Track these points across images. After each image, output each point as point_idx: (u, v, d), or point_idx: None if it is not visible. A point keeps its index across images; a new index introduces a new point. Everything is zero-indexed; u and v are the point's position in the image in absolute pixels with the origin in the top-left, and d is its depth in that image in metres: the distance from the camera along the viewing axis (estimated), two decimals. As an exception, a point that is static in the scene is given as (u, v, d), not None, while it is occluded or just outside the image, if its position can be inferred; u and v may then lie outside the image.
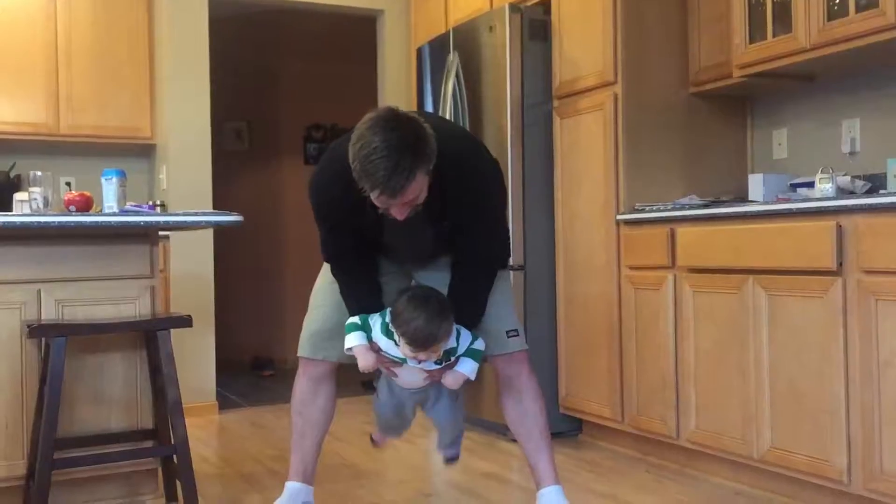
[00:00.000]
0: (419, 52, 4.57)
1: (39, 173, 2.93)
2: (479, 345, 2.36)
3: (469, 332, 2.35)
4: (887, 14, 2.77)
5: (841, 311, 2.65)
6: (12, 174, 4.70)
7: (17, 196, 3.24)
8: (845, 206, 2.64)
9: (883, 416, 2.54)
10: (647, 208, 3.43)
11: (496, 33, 3.90)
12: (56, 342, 2.61)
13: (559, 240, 3.90)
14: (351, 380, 4.31)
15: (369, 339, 2.31)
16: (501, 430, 3.85)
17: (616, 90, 3.58)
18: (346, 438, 3.94)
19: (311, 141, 6.87)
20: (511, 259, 3.31)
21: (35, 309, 2.85)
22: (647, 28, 3.62)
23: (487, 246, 2.42)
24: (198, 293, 4.61)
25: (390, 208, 2.15)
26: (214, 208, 4.63)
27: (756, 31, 3.27)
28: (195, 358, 4.55)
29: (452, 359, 2.32)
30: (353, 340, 2.32)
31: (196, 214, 2.95)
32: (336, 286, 2.48)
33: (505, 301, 2.52)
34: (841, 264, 2.65)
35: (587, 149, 3.72)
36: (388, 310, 2.30)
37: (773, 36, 3.19)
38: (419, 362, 2.27)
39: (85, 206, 2.97)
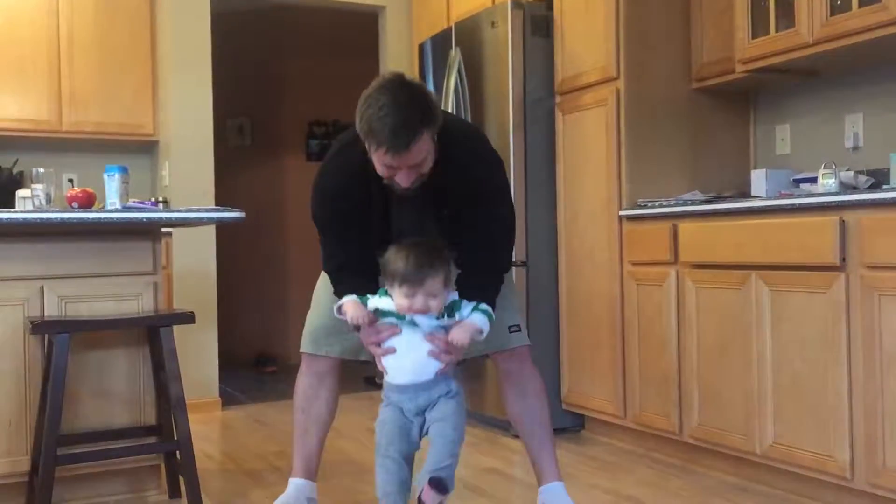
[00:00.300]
0: (421, 47, 4.57)
1: (42, 170, 2.93)
2: (487, 307, 2.21)
3: (473, 302, 2.21)
4: (890, 8, 2.77)
5: (844, 307, 2.64)
6: (15, 171, 4.71)
7: (20, 193, 3.25)
8: (848, 201, 2.63)
9: (886, 411, 2.54)
10: (650, 204, 3.43)
11: (498, 29, 3.90)
12: (59, 339, 2.61)
13: (561, 236, 3.90)
14: (354, 376, 4.28)
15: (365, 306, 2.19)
16: (504, 426, 3.85)
17: (618, 86, 3.58)
18: (350, 434, 3.94)
19: (313, 137, 6.86)
20: (514, 255, 3.31)
21: (38, 305, 2.86)
22: (650, 23, 3.61)
23: (492, 244, 2.36)
24: (200, 289, 4.62)
25: (396, 175, 2.15)
26: (217, 204, 4.63)
27: (759, 26, 3.26)
28: (198, 354, 4.56)
29: (457, 317, 2.17)
30: (345, 298, 2.22)
31: (198, 211, 2.95)
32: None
33: (507, 296, 2.51)
34: (844, 260, 2.65)
35: (589, 144, 3.72)
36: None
37: (776, 31, 3.18)
38: (417, 314, 2.10)
39: (87, 202, 2.97)
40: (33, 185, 2.92)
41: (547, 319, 3.90)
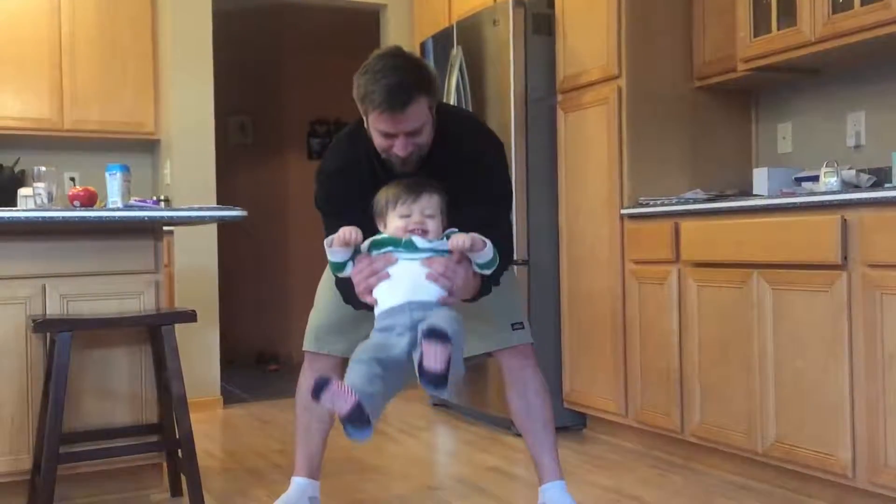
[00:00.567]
0: (422, 46, 4.57)
1: (44, 168, 2.93)
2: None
3: None
4: (892, 7, 2.76)
5: (846, 306, 2.64)
6: (17, 169, 4.71)
7: (22, 191, 3.25)
8: (850, 199, 2.63)
9: (888, 409, 2.54)
10: (651, 202, 3.43)
11: (500, 27, 3.90)
12: (61, 337, 2.61)
13: (563, 234, 3.90)
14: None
15: (357, 251, 2.05)
16: (506, 425, 3.85)
17: (620, 84, 3.58)
18: (351, 433, 3.94)
19: (314, 136, 6.86)
20: (515, 253, 3.31)
21: (40, 304, 2.86)
22: (652, 22, 3.61)
23: (491, 227, 2.22)
24: (202, 288, 4.62)
25: (394, 145, 2.15)
26: (218, 203, 4.64)
27: (761, 25, 3.26)
28: (200, 353, 4.56)
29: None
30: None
31: (200, 209, 2.96)
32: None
33: (510, 294, 2.51)
34: (846, 258, 2.64)
35: (591, 143, 3.71)
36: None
37: (778, 29, 3.18)
38: (413, 233, 1.98)
39: (89, 201, 2.97)
40: (35, 184, 2.92)
41: (548, 318, 3.90)
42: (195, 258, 4.62)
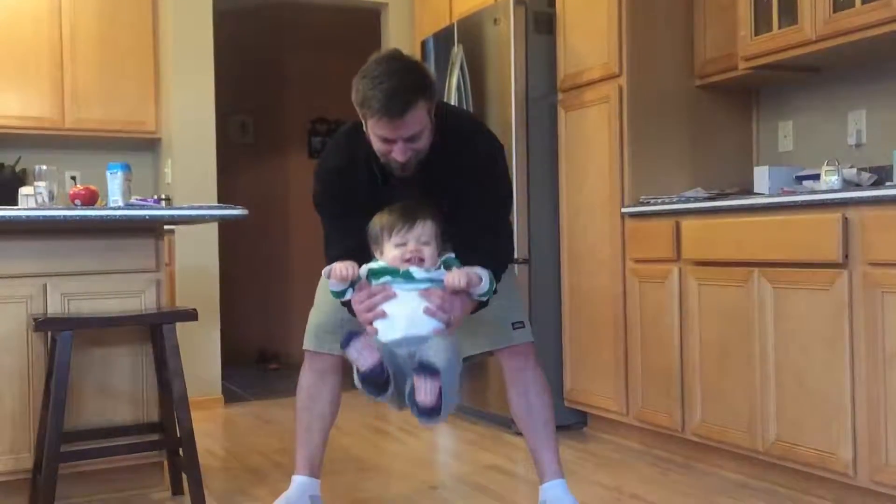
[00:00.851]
0: (423, 45, 4.57)
1: (45, 167, 2.93)
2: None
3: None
4: (893, 5, 2.76)
5: (847, 304, 2.64)
6: (18, 168, 4.71)
7: (23, 190, 3.25)
8: (851, 198, 2.63)
9: (889, 408, 2.53)
10: (652, 201, 3.43)
11: (500, 26, 3.90)
12: (62, 336, 2.61)
13: (564, 233, 3.90)
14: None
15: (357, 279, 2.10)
16: (506, 423, 3.85)
17: (621, 82, 3.57)
18: (352, 432, 3.95)
19: (315, 134, 6.86)
20: (515, 252, 3.31)
21: (41, 303, 2.86)
22: (652, 20, 3.61)
23: (491, 230, 2.31)
24: (203, 287, 4.62)
25: (392, 150, 2.15)
26: (219, 202, 4.64)
27: (762, 23, 3.25)
28: (201, 351, 4.56)
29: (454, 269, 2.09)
30: (334, 264, 2.11)
31: (201, 208, 2.96)
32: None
33: (510, 293, 2.51)
34: (847, 257, 2.64)
35: (592, 141, 3.71)
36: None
37: (779, 27, 3.18)
38: (409, 263, 2.02)
39: (90, 200, 2.97)
40: (36, 183, 2.92)
41: (549, 317, 3.90)
42: (196, 257, 4.62)
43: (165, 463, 3.06)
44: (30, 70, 4.61)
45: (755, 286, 2.95)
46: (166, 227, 3.85)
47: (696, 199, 3.28)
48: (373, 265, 2.10)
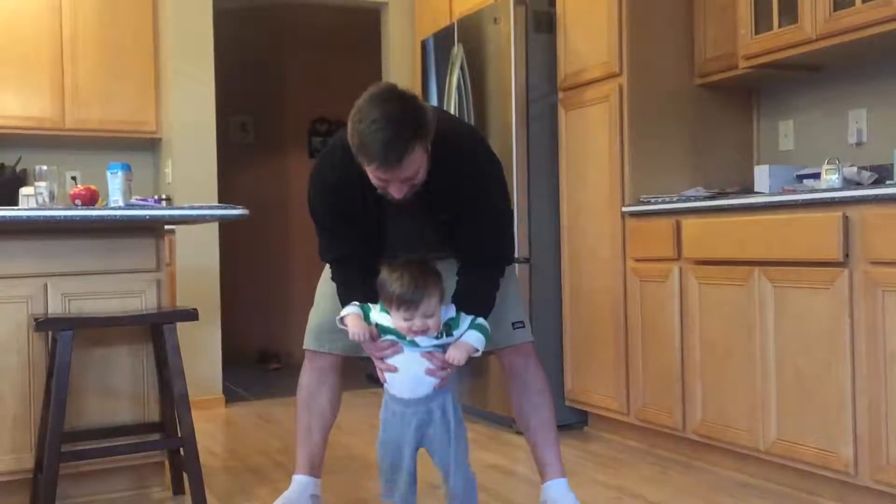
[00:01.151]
0: (424, 44, 4.57)
1: (45, 167, 2.93)
2: (484, 322, 2.27)
3: (471, 316, 2.27)
4: (893, 4, 2.76)
5: (847, 303, 2.64)
6: (18, 168, 4.71)
7: (23, 190, 3.25)
8: (852, 197, 2.63)
9: (889, 407, 2.53)
10: (653, 200, 3.43)
11: (501, 25, 3.90)
12: (63, 336, 2.61)
13: (564, 232, 3.90)
14: (356, 372, 4.30)
15: (367, 320, 2.24)
16: (507, 423, 3.85)
17: (621, 82, 3.57)
18: (353, 430, 3.94)
19: (315, 134, 6.86)
20: (516, 252, 3.30)
21: (42, 303, 2.86)
22: (653, 19, 3.61)
23: (491, 243, 2.36)
24: (204, 286, 4.62)
25: (388, 187, 2.14)
26: (220, 202, 4.64)
27: (762, 22, 3.25)
28: (201, 351, 4.56)
29: (455, 334, 2.22)
30: (347, 310, 2.26)
31: (201, 208, 2.96)
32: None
33: (511, 293, 2.51)
34: (847, 255, 2.64)
35: (592, 141, 3.71)
36: None
37: (780, 26, 3.18)
38: (415, 334, 2.16)
39: (90, 200, 2.97)
40: (36, 183, 2.92)
41: (550, 316, 3.90)
42: (197, 257, 4.62)
43: (166, 463, 3.06)
44: (30, 70, 4.61)
45: (756, 285, 2.95)
46: (167, 227, 3.85)
47: (697, 198, 3.28)
48: (381, 321, 2.21)
